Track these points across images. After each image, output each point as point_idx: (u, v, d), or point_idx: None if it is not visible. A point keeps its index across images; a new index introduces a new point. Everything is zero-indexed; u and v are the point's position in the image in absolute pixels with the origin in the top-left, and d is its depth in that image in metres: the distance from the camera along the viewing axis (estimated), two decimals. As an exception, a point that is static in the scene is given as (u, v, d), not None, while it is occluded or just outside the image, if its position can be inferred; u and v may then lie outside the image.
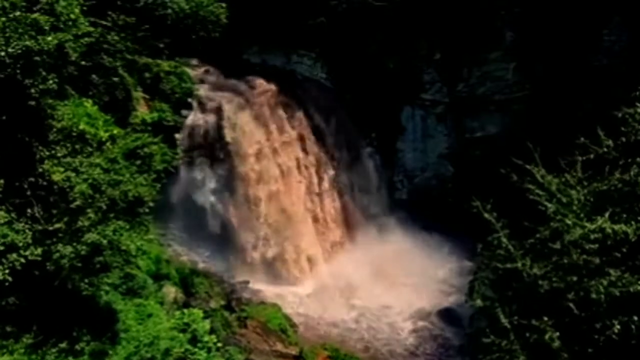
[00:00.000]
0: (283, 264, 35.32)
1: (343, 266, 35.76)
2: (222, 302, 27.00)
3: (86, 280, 14.63)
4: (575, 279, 9.74)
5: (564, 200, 10.91)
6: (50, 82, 12.93)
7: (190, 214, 34.22)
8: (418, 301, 33.26)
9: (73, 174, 12.88)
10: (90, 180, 12.92)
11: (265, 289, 33.37)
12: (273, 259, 35.02)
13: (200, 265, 33.37)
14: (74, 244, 12.80)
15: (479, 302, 11.41)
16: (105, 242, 13.19)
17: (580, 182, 11.27)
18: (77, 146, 13.13)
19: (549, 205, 11.08)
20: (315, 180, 37.35)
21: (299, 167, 36.67)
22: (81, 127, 13.24)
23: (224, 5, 29.61)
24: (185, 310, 18.34)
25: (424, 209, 39.19)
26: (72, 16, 14.27)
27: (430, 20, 36.74)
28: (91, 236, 12.97)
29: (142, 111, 31.25)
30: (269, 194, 34.97)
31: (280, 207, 35.53)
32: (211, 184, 34.75)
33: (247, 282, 33.19)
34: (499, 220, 13.41)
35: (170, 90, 32.34)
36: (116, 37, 24.60)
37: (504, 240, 12.76)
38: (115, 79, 25.78)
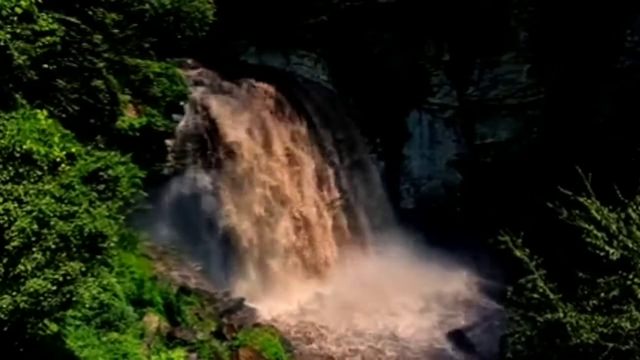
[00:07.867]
0: (281, 279, 33.39)
1: (345, 282, 33.53)
2: (213, 328, 24.78)
3: (45, 322, 12.38)
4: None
5: (630, 244, 8.66)
6: (-20, 91, 10.69)
7: (182, 224, 32.20)
8: (426, 321, 31.06)
9: (14, 205, 10.46)
10: (35, 213, 10.50)
11: (261, 306, 31.34)
12: (270, 274, 33.02)
13: (192, 281, 31.26)
14: (13, 293, 10.49)
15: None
16: (54, 288, 10.79)
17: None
18: (21, 170, 10.77)
19: (611, 250, 8.83)
20: (316, 187, 35.43)
21: (299, 173, 34.90)
22: (27, 145, 10.83)
23: (210, 0, 27.57)
24: (163, 355, 16.14)
25: (431, 218, 37.36)
26: (18, 10, 11.93)
27: (439, 19, 35.08)
28: (34, 283, 10.61)
29: (130, 116, 29.19)
30: (266, 201, 33.04)
31: (279, 216, 33.55)
32: (205, 193, 32.88)
33: (243, 300, 31.06)
34: (532, 258, 11.21)
35: (160, 93, 30.17)
36: (99, 36, 22.47)
37: (540, 284, 10.58)
38: (99, 81, 23.63)
